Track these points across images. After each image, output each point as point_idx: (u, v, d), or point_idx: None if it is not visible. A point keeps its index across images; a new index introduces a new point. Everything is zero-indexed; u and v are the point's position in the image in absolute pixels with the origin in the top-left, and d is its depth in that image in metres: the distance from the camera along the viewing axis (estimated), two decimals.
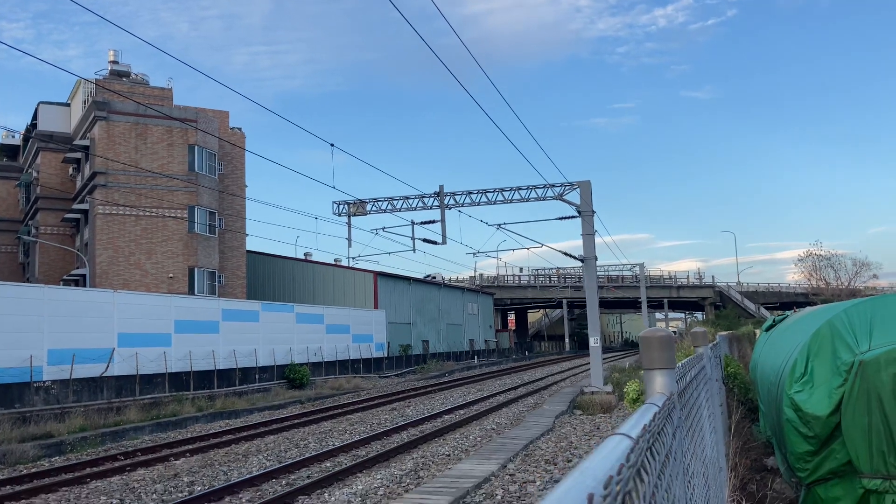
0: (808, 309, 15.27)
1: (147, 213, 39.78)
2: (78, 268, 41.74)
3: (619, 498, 0.79)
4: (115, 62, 45.19)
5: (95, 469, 15.05)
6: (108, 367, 25.18)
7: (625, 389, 18.57)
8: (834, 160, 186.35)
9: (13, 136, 55.29)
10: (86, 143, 41.51)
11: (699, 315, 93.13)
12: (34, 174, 47.16)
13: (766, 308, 77.06)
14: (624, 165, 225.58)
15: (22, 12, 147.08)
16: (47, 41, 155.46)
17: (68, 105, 48.36)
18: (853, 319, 8.26)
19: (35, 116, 48.24)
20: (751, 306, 77.58)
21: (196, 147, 41.90)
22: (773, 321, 16.01)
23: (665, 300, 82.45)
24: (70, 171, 46.04)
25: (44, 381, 22.74)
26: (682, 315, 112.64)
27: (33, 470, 15.08)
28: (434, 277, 63.25)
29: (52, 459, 16.65)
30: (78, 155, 43.27)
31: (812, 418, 7.86)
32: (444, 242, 29.92)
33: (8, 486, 13.59)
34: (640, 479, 1.05)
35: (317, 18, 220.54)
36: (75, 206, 42.30)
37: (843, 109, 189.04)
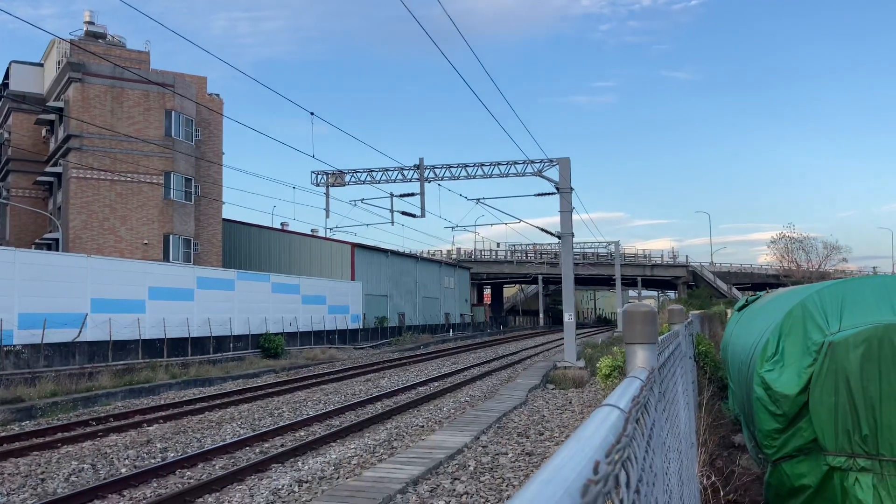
0: (781, 290, 15.50)
1: (122, 178, 39.22)
2: (50, 232, 41.14)
3: (618, 466, 0.80)
4: (90, 23, 44.19)
5: (67, 434, 14.97)
6: (80, 332, 24.95)
7: (598, 365, 18.79)
8: (807, 144, 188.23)
9: None
10: (60, 104, 40.71)
11: (672, 294, 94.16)
12: (5, 135, 46.20)
13: (738, 289, 78.07)
14: (602, 144, 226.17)
15: None
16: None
17: (42, 65, 47.29)
18: (825, 301, 8.40)
19: (6, 76, 47.13)
20: (723, 286, 78.55)
21: (173, 112, 41.27)
22: (746, 301, 16.24)
23: (639, 278, 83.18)
24: (43, 132, 45.17)
25: (14, 346, 22.48)
26: (656, 293, 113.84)
27: (3, 434, 14.96)
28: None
29: (23, 424, 16.53)
30: (51, 117, 42.44)
31: (781, 397, 8.01)
32: (422, 215, 29.88)
33: None
34: (633, 451, 1.06)
35: None
36: (48, 169, 41.57)
37: (819, 95, 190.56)
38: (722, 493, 7.74)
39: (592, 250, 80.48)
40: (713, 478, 7.33)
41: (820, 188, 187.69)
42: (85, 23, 44.16)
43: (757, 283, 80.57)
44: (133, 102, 40.32)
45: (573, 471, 0.66)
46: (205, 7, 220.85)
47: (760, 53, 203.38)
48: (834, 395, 7.70)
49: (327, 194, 31.48)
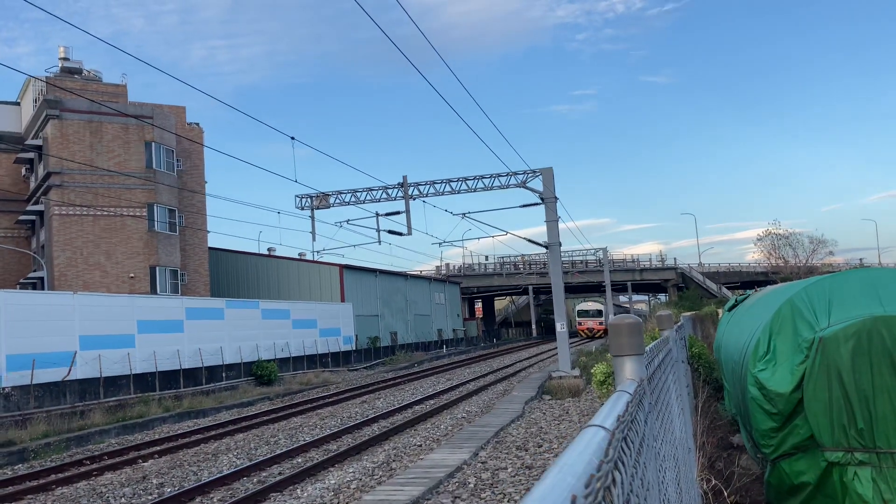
0: (769, 288, 15.57)
1: (105, 213, 39.03)
2: (35, 270, 40.82)
3: (600, 494, 0.79)
4: (65, 59, 44.11)
5: (61, 475, 14.78)
6: (70, 370, 24.71)
7: (592, 371, 18.77)
8: (788, 140, 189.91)
9: None
10: (38, 142, 40.53)
11: (662, 297, 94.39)
12: None
13: (728, 288, 78.38)
14: (585, 151, 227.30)
15: None
16: None
17: (18, 104, 47.12)
18: (813, 297, 8.44)
19: None
20: (713, 286, 78.84)
21: (153, 144, 41.16)
22: (736, 301, 16.30)
23: (629, 283, 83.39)
24: (23, 171, 44.93)
25: (3, 388, 22.22)
26: (646, 297, 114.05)
27: None
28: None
29: (15, 467, 16.31)
30: (30, 155, 42.23)
31: (775, 395, 8.03)
32: (409, 233, 29.84)
33: None
34: (617, 470, 1.05)
35: (274, 10, 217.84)
36: (30, 208, 41.30)
37: (798, 91, 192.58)
38: (724, 496, 7.73)
39: (581, 258, 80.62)
40: (714, 480, 7.32)
41: (803, 183, 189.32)
42: (60, 59, 44.08)
43: (746, 281, 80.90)
44: (112, 136, 40.20)
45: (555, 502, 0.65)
46: (182, 36, 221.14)
47: (736, 53, 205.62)
48: (827, 391, 7.72)
49: (312, 217, 31.42)
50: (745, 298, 15.58)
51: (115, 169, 38.83)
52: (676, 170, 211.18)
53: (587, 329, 79.83)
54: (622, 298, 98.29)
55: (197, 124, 48.25)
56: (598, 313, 79.93)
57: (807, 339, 8.02)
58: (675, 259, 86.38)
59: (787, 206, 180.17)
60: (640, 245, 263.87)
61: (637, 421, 1.70)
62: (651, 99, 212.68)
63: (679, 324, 10.67)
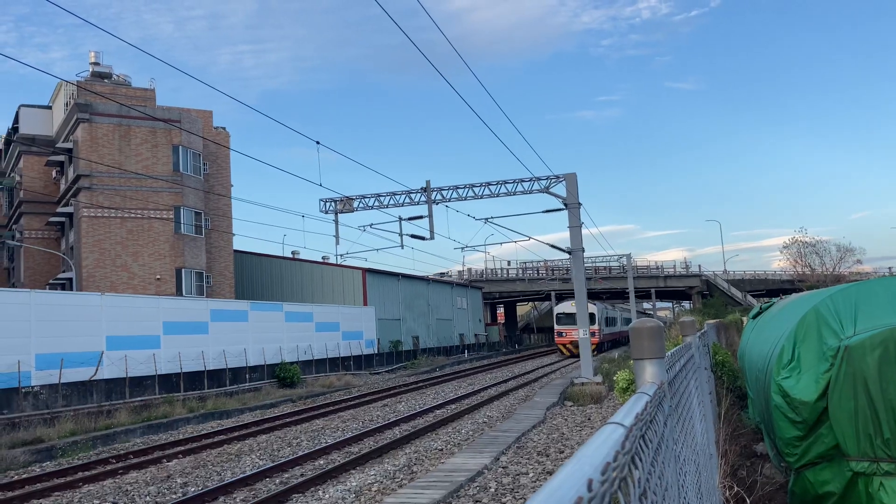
0: (794, 296, 15.42)
1: (133, 215, 39.56)
2: (64, 271, 41.46)
3: (615, 483, 0.83)
4: (96, 63, 44.84)
5: (87, 473, 15.01)
6: (97, 370, 25.06)
7: (615, 378, 18.68)
8: (816, 147, 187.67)
9: None
10: (69, 145, 41.22)
11: (686, 304, 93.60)
12: (17, 178, 46.78)
13: (753, 295, 77.58)
14: (610, 157, 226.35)
15: (3, 16, 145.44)
16: (30, 44, 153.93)
17: (50, 108, 47.96)
18: (838, 305, 8.36)
19: (16, 120, 47.81)
20: (737, 294, 78.07)
21: (180, 147, 41.68)
22: (760, 309, 16.16)
23: (652, 290, 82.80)
24: (53, 174, 45.70)
25: (32, 387, 22.60)
26: (670, 304, 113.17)
27: (24, 476, 15.02)
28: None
29: (44, 465, 16.58)
30: (61, 158, 42.96)
31: (800, 404, 7.96)
32: (431, 238, 29.94)
33: None
34: (635, 465, 1.09)
35: (300, 16, 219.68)
36: (60, 210, 42.00)
37: (825, 97, 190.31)
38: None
39: (604, 264, 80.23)
40: (736, 488, 7.27)
41: (831, 191, 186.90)
42: (90, 63, 44.81)
43: (772, 289, 80.00)
44: (140, 140, 40.76)
45: (570, 489, 0.69)
46: (210, 42, 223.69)
47: (762, 58, 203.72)
48: (853, 400, 7.64)
49: (336, 221, 31.63)
50: (770, 306, 15.44)
51: (142, 172, 39.37)
52: (702, 176, 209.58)
53: (570, 344, 50.77)
54: (646, 305, 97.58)
55: (223, 128, 48.77)
56: (590, 319, 50.03)
57: (832, 347, 7.94)
58: (699, 266, 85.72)
59: (814, 214, 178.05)
60: (665, 252, 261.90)
61: (656, 421, 1.73)
62: (676, 105, 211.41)
63: (703, 331, 10.61)
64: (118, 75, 45.69)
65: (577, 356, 37.65)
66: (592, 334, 44.50)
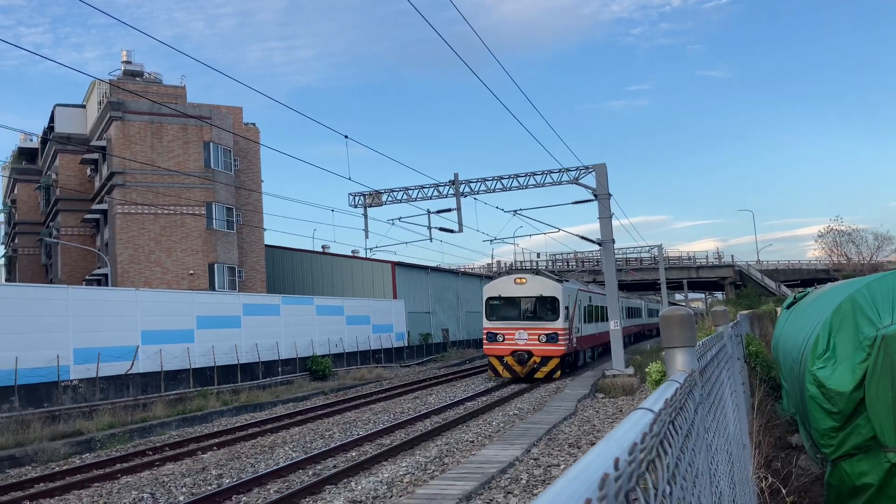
0: (830, 285, 15.17)
1: (165, 211, 40.11)
2: (99, 267, 42.19)
3: (643, 465, 0.84)
4: (127, 62, 45.47)
5: (125, 465, 15.30)
6: (132, 364, 25.50)
7: (647, 370, 18.55)
8: (852, 134, 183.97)
9: (31, 140, 55.86)
10: (102, 143, 41.87)
11: (719, 295, 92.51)
12: (53, 176, 47.65)
13: (787, 285, 76.43)
14: (640, 147, 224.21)
15: (40, 17, 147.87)
16: (65, 45, 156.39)
17: (84, 107, 48.75)
18: (875, 294, 8.21)
19: (52, 119, 48.69)
20: (771, 284, 76.97)
21: (211, 144, 42.11)
22: (794, 298, 15.92)
23: (684, 281, 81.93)
24: (88, 171, 46.48)
25: (71, 380, 23.08)
26: (703, 295, 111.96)
27: (65, 467, 15.36)
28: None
29: (83, 456, 16.93)
30: (95, 156, 43.67)
31: (835, 394, 7.84)
32: (460, 230, 29.92)
33: (42, 484, 13.86)
34: (664, 450, 1.09)
35: (329, 13, 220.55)
36: (95, 207, 42.71)
37: (859, 82, 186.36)
38: (781, 495, 7.59)
39: (635, 255, 79.52)
40: (770, 479, 7.20)
41: (867, 178, 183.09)
42: (122, 62, 45.46)
43: (806, 279, 78.71)
44: (172, 137, 41.26)
45: (597, 468, 0.69)
46: (240, 39, 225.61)
47: (794, 45, 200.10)
48: (891, 390, 7.51)
49: (365, 215, 31.76)
50: (805, 296, 15.21)
51: (174, 168, 39.86)
52: (734, 165, 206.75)
53: (511, 358, 28.77)
54: (678, 297, 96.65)
55: (253, 124, 49.20)
56: (550, 309, 29.07)
57: (869, 336, 7.81)
58: (732, 256, 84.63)
59: (850, 202, 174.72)
60: (697, 242, 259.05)
61: (686, 409, 1.72)
62: (708, 93, 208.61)
63: (735, 321, 10.50)
64: (150, 73, 46.30)
65: (523, 378, 27.36)
66: (552, 337, 27.71)
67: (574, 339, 29.99)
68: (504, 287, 29.36)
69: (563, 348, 27.98)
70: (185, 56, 31.68)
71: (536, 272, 30.47)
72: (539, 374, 27.95)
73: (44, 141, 51.45)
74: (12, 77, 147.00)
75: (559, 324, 28.07)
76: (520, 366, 28.11)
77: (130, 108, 40.24)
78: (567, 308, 28.85)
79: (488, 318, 29.23)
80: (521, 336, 28.21)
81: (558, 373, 28.19)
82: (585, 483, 0.63)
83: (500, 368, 28.73)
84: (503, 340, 28.46)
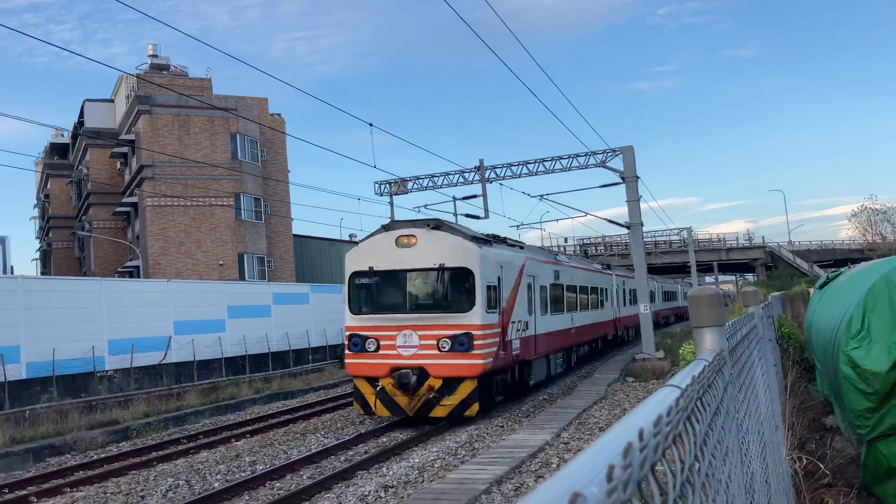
0: (864, 264, 14.92)
1: (194, 203, 40.53)
2: (131, 259, 42.82)
3: (669, 438, 0.83)
4: (154, 56, 45.89)
5: (160, 453, 15.57)
6: (165, 354, 25.89)
7: (680, 352, 18.40)
8: (885, 110, 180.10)
9: (62, 135, 56.70)
10: (131, 137, 42.37)
11: (750, 277, 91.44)
12: (84, 171, 48.36)
13: (820, 266, 75.27)
14: (667, 128, 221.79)
15: (68, 14, 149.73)
16: (93, 40, 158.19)
17: (112, 101, 49.34)
18: None
19: (81, 114, 49.37)
20: (803, 265, 75.89)
21: (238, 135, 42.42)
22: (827, 278, 15.69)
23: (714, 263, 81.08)
24: (118, 165, 47.09)
25: (106, 371, 23.51)
26: (733, 278, 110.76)
27: (103, 455, 15.67)
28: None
29: (119, 445, 17.26)
30: (125, 149, 44.22)
31: (871, 374, 7.72)
32: (486, 216, 29.83)
33: (81, 472, 14.17)
34: (691, 425, 1.08)
35: (352, 1, 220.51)
36: (125, 200, 43.30)
37: (892, 57, 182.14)
38: (816, 476, 7.52)
39: (664, 238, 78.81)
40: (804, 460, 7.13)
41: None
42: (149, 56, 45.88)
43: (839, 259, 77.44)
44: (199, 129, 41.62)
45: (623, 439, 0.69)
46: (265, 30, 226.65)
47: (825, 20, 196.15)
48: None
49: (391, 203, 31.82)
50: (838, 276, 14.98)
51: (202, 160, 40.24)
52: (764, 145, 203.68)
53: (401, 374, 16.06)
54: (708, 279, 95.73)
55: (279, 115, 49.44)
56: (459, 291, 16.66)
57: None
58: (763, 237, 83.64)
59: (884, 180, 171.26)
60: (727, 224, 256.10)
61: (715, 386, 1.71)
62: (736, 72, 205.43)
63: (767, 302, 10.38)
64: (176, 66, 46.69)
65: (413, 417, 16.39)
66: (461, 342, 16.15)
67: (516, 344, 18.51)
68: (379, 252, 17.06)
69: (482, 361, 15.98)
70: (211, 48, 32.17)
71: (437, 225, 17.22)
72: (439, 412, 16.03)
73: (74, 136, 52.20)
74: (43, 74, 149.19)
75: (475, 318, 16.16)
76: (405, 395, 16.12)
77: (158, 101, 40.64)
78: (495, 289, 17.26)
79: (352, 310, 17.41)
80: (409, 341, 16.44)
81: (475, 407, 15.93)
82: (611, 453, 0.63)
83: (371, 400, 16.67)
84: (376, 350, 16.59)
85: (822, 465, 7.26)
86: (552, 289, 22.59)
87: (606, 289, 32.63)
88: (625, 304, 36.52)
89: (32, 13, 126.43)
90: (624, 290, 36.77)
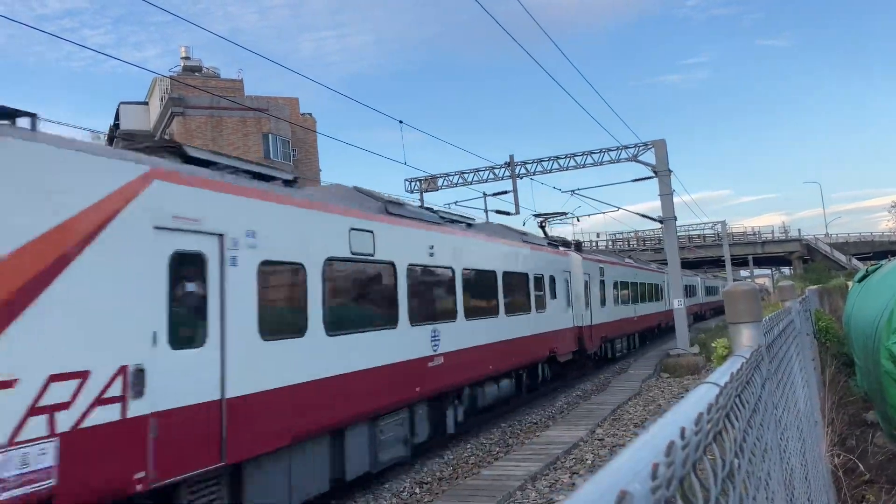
0: None
1: None
2: None
3: (709, 435, 0.84)
4: (186, 58, 46.53)
5: None
6: None
7: (713, 345, 18.21)
8: None
9: (99, 138, 57.69)
10: (166, 138, 43.02)
11: (786, 270, 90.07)
12: None
13: (859, 259, 73.88)
14: (699, 121, 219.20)
15: (102, 18, 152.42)
16: (126, 44, 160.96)
17: (146, 103, 50.12)
18: None
19: (117, 117, 50.21)
20: (841, 258, 74.55)
21: (269, 135, 42.85)
22: (866, 271, 15.40)
23: (749, 257, 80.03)
24: None
25: None
26: (768, 272, 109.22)
27: None
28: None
29: None
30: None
31: None
32: (517, 212, 29.76)
33: None
34: (730, 422, 1.09)
35: None
36: None
37: None
38: (856, 473, 7.40)
39: (698, 232, 78.03)
40: (844, 457, 7.03)
41: None
42: (182, 58, 46.53)
43: (879, 251, 75.97)
44: (231, 129, 42.12)
45: (665, 437, 0.71)
46: (294, 30, 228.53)
47: (863, 6, 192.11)
48: None
49: (422, 200, 31.89)
50: (878, 269, 14.70)
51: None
52: (799, 136, 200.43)
53: None
54: (743, 273, 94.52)
55: (309, 114, 49.82)
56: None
57: None
58: (798, 230, 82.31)
59: None
60: (761, 217, 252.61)
61: (753, 383, 1.71)
62: (770, 63, 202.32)
63: (804, 296, 10.23)
64: (208, 68, 47.29)
65: None
66: None
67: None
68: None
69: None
70: (242, 49, 32.48)
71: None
72: None
73: (110, 138, 53.05)
74: (80, 78, 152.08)
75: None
76: None
77: (191, 102, 41.21)
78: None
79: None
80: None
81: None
82: (653, 451, 0.64)
83: None
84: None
85: (860, 464, 7.15)
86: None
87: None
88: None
89: (69, 18, 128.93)
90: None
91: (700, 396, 1.11)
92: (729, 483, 0.94)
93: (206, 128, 41.62)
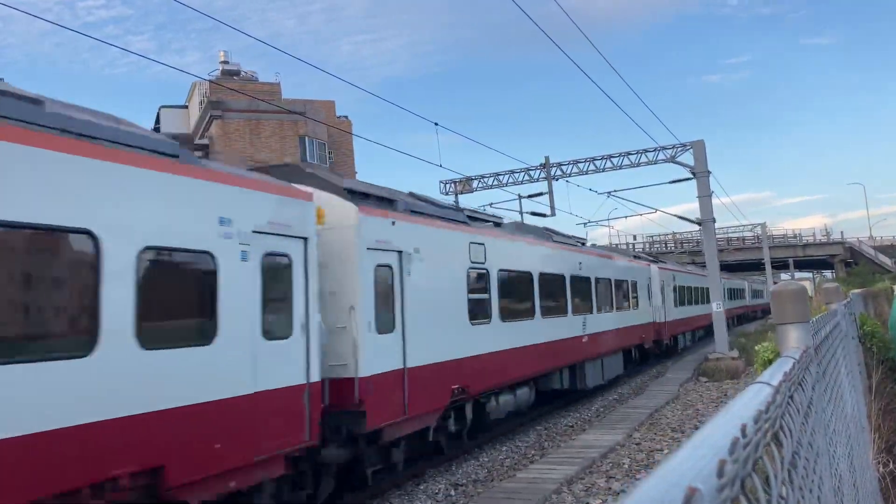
0: None
1: None
2: None
3: (767, 435, 0.81)
4: (225, 62, 47.16)
5: None
6: None
7: (756, 348, 17.87)
8: None
9: None
10: (205, 141, 43.62)
11: (828, 273, 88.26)
12: None
13: None
14: (740, 122, 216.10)
15: (144, 25, 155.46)
16: (168, 49, 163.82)
17: (186, 107, 50.90)
18: None
19: (157, 120, 51.04)
20: (886, 261, 72.78)
21: (306, 138, 43.21)
22: None
23: (790, 260, 78.53)
24: None
25: None
26: (810, 275, 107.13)
27: None
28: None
29: None
30: (199, 153, 45.57)
31: None
32: (552, 214, 29.58)
33: None
34: (785, 423, 1.05)
35: (414, 1, 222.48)
36: None
37: None
38: None
39: (737, 234, 76.77)
40: (891, 465, 6.83)
41: None
42: (220, 63, 47.17)
43: None
44: (269, 132, 42.57)
45: (723, 437, 0.68)
46: (330, 34, 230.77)
47: None
48: None
49: (457, 202, 31.87)
50: None
51: (273, 163, 41.11)
52: (842, 137, 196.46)
53: None
54: (784, 276, 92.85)
55: (346, 117, 50.16)
56: None
57: None
58: (841, 233, 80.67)
59: None
60: (803, 219, 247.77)
61: (804, 384, 1.66)
62: (813, 62, 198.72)
63: (848, 300, 10.01)
64: (246, 72, 47.88)
65: None
66: None
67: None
68: None
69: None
70: (279, 53, 33.04)
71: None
72: None
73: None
74: (123, 83, 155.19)
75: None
76: None
77: (229, 106, 41.74)
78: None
79: None
80: None
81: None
82: (713, 448, 0.61)
83: None
84: None
85: None
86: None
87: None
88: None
89: (114, 25, 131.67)
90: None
91: (753, 395, 1.07)
92: (787, 486, 0.91)
93: (244, 131, 42.13)
